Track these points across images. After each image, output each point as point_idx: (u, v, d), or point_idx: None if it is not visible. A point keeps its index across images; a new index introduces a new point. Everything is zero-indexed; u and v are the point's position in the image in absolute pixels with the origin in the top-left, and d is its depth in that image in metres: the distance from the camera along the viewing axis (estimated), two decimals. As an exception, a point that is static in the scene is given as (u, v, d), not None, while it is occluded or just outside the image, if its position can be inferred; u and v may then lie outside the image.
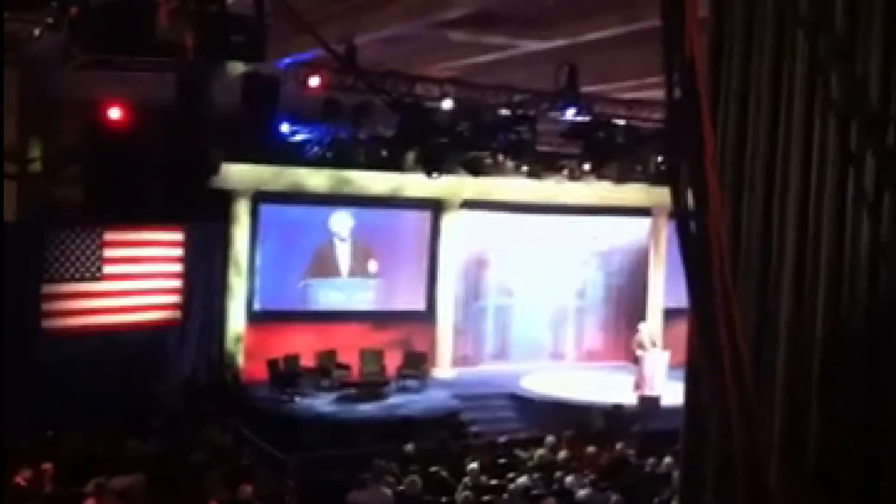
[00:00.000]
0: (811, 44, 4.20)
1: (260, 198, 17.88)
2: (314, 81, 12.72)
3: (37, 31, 9.15)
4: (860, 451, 4.04)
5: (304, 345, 17.80)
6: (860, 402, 4.04)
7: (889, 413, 3.95)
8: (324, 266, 18.91)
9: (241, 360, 17.63)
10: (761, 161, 4.41)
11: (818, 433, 4.18)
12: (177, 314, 17.18)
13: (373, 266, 19.29)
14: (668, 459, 11.90)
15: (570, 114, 13.92)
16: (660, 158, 15.63)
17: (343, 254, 19.08)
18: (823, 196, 4.16)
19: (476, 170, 15.57)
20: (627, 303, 21.67)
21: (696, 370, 4.65)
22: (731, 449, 3.55)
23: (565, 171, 16.50)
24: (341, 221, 18.97)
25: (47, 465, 10.67)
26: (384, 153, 15.68)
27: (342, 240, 19.04)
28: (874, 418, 4.00)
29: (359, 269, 19.18)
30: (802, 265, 4.25)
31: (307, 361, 17.57)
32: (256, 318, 18.04)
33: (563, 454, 12.68)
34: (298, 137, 15.54)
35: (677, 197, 3.53)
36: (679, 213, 3.54)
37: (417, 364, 18.36)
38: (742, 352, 3.50)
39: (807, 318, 4.24)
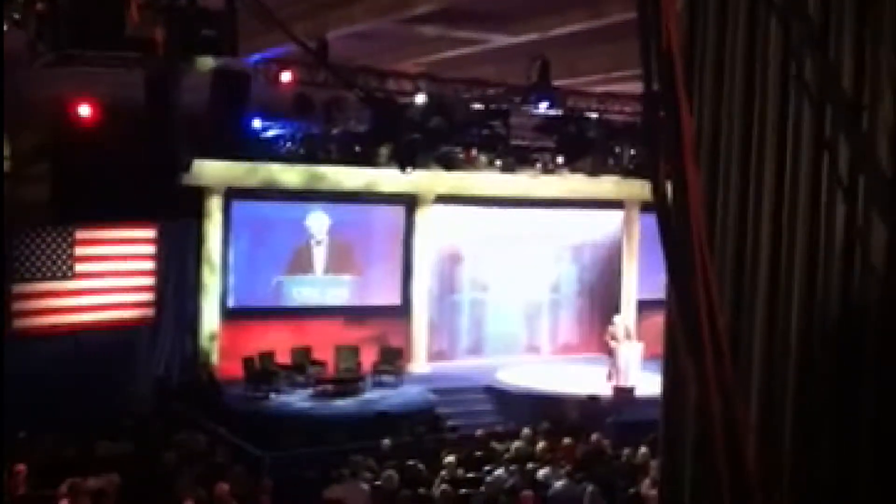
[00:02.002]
0: (785, 30, 4.23)
1: (232, 194, 17.79)
2: (286, 77, 12.67)
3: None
4: (836, 435, 4.08)
5: (278, 342, 17.75)
6: (836, 386, 4.08)
7: (865, 395, 3.99)
8: (300, 266, 18.85)
9: (215, 358, 17.54)
10: (737, 148, 4.44)
11: (794, 417, 4.21)
12: (150, 312, 17.07)
13: (350, 263, 19.25)
14: (643, 449, 11.96)
15: (542, 108, 13.96)
16: (632, 151, 15.71)
17: (319, 254, 19.02)
18: (798, 181, 4.19)
19: (449, 165, 15.57)
20: (601, 295, 21.77)
21: (674, 349, 4.66)
22: (709, 421, 3.56)
23: (538, 165, 16.53)
24: (317, 222, 18.90)
25: (20, 467, 10.56)
26: (357, 148, 15.66)
27: (318, 242, 18.97)
28: (850, 401, 4.03)
29: (334, 267, 19.13)
30: (778, 250, 4.28)
31: (282, 358, 17.51)
32: (231, 316, 17.96)
33: (539, 446, 12.72)
34: (270, 133, 15.50)
35: (657, 188, 3.54)
36: (659, 208, 3.55)
37: (393, 359, 18.36)
38: (724, 345, 3.51)
39: (782, 303, 4.27)
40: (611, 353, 18.29)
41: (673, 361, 4.67)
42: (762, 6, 4.31)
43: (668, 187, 3.56)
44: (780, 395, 4.28)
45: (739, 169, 4.43)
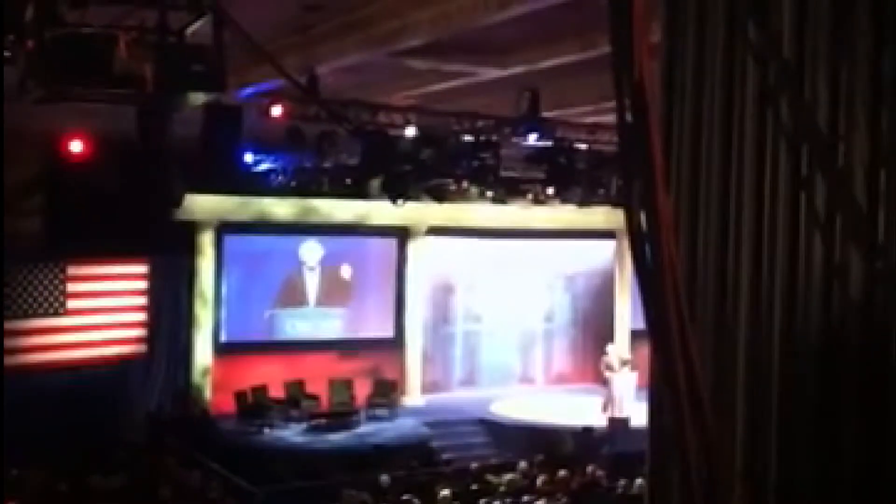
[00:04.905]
0: (761, 70, 4.27)
1: (224, 228, 17.80)
2: (277, 111, 12.72)
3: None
4: (820, 472, 4.07)
5: (271, 376, 17.69)
6: (818, 423, 4.07)
7: (847, 434, 3.98)
8: (292, 296, 18.83)
9: (208, 392, 17.49)
10: (715, 185, 4.47)
11: (778, 455, 4.20)
12: (142, 348, 17.05)
13: (342, 294, 19.24)
14: (639, 481, 11.87)
15: (532, 139, 14.00)
16: (621, 182, 15.71)
17: (312, 284, 19.02)
18: (777, 219, 4.21)
19: (440, 196, 15.61)
20: (594, 325, 21.76)
21: (658, 394, 4.67)
22: (690, 480, 3.55)
23: (529, 196, 16.56)
24: (310, 251, 18.92)
25: (12, 504, 10.52)
26: (349, 181, 15.69)
27: (311, 269, 18.99)
28: (833, 438, 4.03)
29: (327, 298, 19.12)
30: (758, 287, 4.30)
31: (275, 392, 17.45)
32: (223, 350, 17.91)
33: (535, 479, 12.66)
34: (262, 167, 15.54)
35: (631, 220, 3.56)
36: (633, 236, 3.57)
37: (387, 392, 18.30)
38: (698, 376, 3.52)
39: (763, 340, 4.27)
40: (605, 383, 18.23)
41: (658, 410, 4.68)
42: (738, 43, 4.36)
43: (642, 216, 3.58)
44: (765, 440, 4.27)
45: (718, 206, 4.46)
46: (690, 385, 3.44)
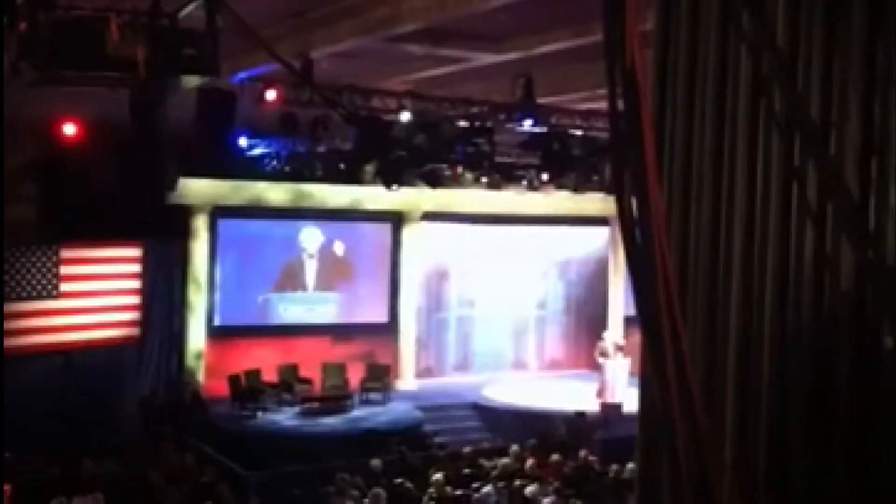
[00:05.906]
0: (754, 58, 4.27)
1: (218, 212, 17.77)
2: (271, 96, 12.69)
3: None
4: (810, 464, 4.09)
5: (265, 360, 17.70)
6: (809, 414, 4.09)
7: (837, 424, 3.99)
8: (291, 282, 18.85)
9: (201, 376, 17.49)
10: (708, 173, 4.48)
11: (768, 444, 4.22)
12: (136, 331, 17.03)
13: (341, 279, 19.25)
14: (631, 465, 11.93)
15: (527, 125, 14.01)
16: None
17: (311, 269, 19.03)
18: (769, 207, 4.22)
19: (435, 182, 15.61)
20: (588, 312, 21.80)
21: (648, 382, 4.69)
22: (680, 472, 3.58)
23: (524, 182, 16.58)
24: (310, 237, 18.92)
25: (6, 487, 10.51)
26: (343, 166, 15.68)
27: (310, 256, 18.99)
28: (823, 429, 4.04)
29: (325, 283, 19.13)
30: (749, 276, 4.31)
31: (269, 376, 17.46)
32: (217, 334, 17.91)
33: (527, 463, 12.72)
34: (256, 152, 15.52)
35: (622, 207, 3.57)
36: (624, 224, 3.59)
37: (380, 376, 18.32)
38: (688, 366, 3.54)
39: (754, 329, 4.29)
40: (599, 368, 18.30)
41: (648, 379, 4.69)
42: (732, 31, 4.36)
43: (633, 204, 3.60)
44: (755, 428, 4.28)
45: (711, 196, 4.47)
46: (680, 375, 3.46)
